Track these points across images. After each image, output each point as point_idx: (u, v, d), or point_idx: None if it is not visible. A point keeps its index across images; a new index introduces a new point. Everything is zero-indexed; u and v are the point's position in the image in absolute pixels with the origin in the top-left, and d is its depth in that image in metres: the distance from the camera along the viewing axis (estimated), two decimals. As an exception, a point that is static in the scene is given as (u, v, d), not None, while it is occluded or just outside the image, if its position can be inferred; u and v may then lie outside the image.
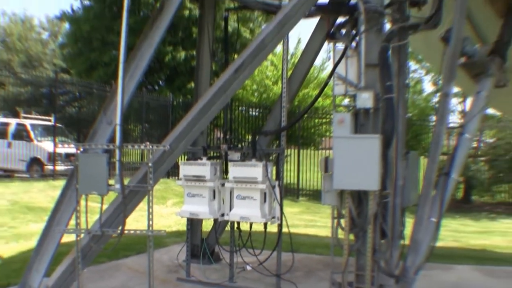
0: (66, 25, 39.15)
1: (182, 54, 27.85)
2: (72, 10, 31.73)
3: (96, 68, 29.76)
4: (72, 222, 6.90)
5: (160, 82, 30.42)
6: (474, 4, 7.95)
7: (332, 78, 7.24)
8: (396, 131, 6.63)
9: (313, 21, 8.34)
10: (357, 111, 6.84)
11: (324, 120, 24.10)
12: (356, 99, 6.79)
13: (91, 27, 29.27)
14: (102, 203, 6.52)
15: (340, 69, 7.15)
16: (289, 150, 21.39)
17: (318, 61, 31.73)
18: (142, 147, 6.81)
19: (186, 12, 25.97)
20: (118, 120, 6.63)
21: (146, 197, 6.61)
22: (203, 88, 9.73)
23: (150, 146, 6.62)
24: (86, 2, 30.82)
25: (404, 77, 7.10)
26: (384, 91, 6.56)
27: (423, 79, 31.35)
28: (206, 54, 9.85)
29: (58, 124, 24.13)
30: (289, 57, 27.79)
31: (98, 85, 26.43)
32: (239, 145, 8.98)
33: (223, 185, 7.84)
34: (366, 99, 6.67)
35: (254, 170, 7.47)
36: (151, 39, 7.66)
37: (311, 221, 18.03)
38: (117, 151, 6.70)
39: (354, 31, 7.09)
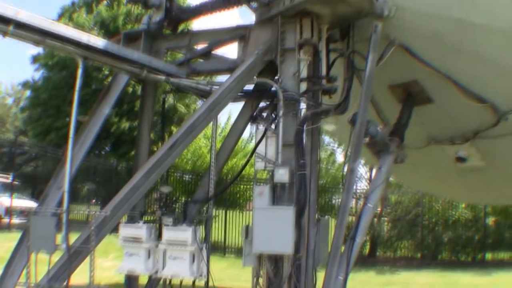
0: (27, 92, 38.43)
1: (126, 125, 27.74)
2: (33, 79, 31.56)
3: (50, 132, 29.29)
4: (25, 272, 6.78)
5: (107, 148, 30.50)
6: (377, 91, 8.33)
7: (253, 155, 7.39)
8: (308, 202, 6.79)
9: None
10: (275, 185, 6.96)
11: (249, 186, 24.32)
12: (274, 174, 6.94)
13: (49, 96, 28.95)
14: (49, 261, 6.39)
15: (261, 147, 7.31)
16: (217, 211, 21.44)
17: (246, 134, 32.14)
18: (87, 212, 6.79)
19: (130, 89, 26.30)
20: (66, 187, 6.64)
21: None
22: (142, 156, 9.68)
23: (94, 212, 6.59)
24: (47, 73, 30.67)
25: (316, 155, 7.31)
26: (298, 168, 6.75)
27: (336, 151, 32.39)
28: (146, 127, 9.84)
29: (15, 181, 23.42)
30: (219, 130, 28.15)
31: (52, 148, 25.99)
32: (174, 205, 8.93)
33: (157, 246, 7.74)
34: (282, 174, 6.79)
35: (184, 233, 7.42)
36: (99, 115, 7.72)
37: (236, 275, 17.75)
38: (64, 215, 6.66)
39: (273, 115, 7.33)
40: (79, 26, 25.97)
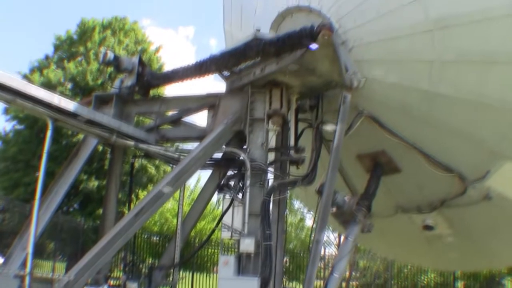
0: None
1: (95, 184, 27.42)
2: (5, 131, 31.10)
3: (19, 186, 28.69)
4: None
5: (75, 205, 29.91)
6: (346, 160, 8.39)
7: (220, 224, 7.31)
8: (273, 273, 6.67)
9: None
10: (240, 254, 6.87)
11: (216, 250, 24.06)
12: (240, 244, 6.83)
13: (18, 149, 28.57)
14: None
15: (228, 216, 7.25)
16: (184, 274, 20.99)
17: (214, 198, 31.81)
18: (50, 276, 6.62)
19: (100, 147, 26.09)
20: (30, 249, 6.52)
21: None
22: (109, 217, 9.48)
23: (58, 275, 6.43)
24: (18, 127, 30.29)
25: (282, 225, 7.26)
26: (264, 238, 6.67)
27: (306, 216, 32.47)
28: (114, 189, 9.67)
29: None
30: (188, 193, 27.95)
31: (19, 203, 25.39)
32: (140, 266, 8.71)
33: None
34: (248, 245, 6.73)
35: (149, 299, 7.25)
36: (67, 177, 7.62)
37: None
38: (27, 277, 6.44)
39: (241, 184, 7.30)
40: (50, 82, 26.01)
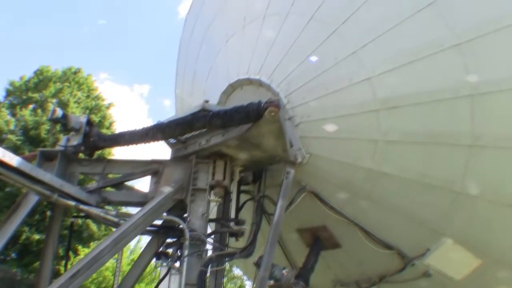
0: None
1: (35, 237, 26.62)
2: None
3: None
4: None
5: (13, 254, 28.78)
6: (286, 233, 8.58)
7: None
8: None
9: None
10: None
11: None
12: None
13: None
14: None
15: (164, 284, 7.26)
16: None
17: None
18: None
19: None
20: None
21: None
22: (44, 274, 9.19)
23: None
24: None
25: (218, 296, 7.30)
26: (198, 310, 6.68)
27: (245, 283, 32.33)
28: (51, 247, 9.44)
29: None
30: (129, 252, 27.54)
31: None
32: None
33: None
34: (181, 315, 6.69)
35: None
36: (5, 231, 7.50)
37: None
38: None
39: (179, 253, 7.36)
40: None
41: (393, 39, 7.81)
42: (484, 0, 7.77)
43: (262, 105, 6.87)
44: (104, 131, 31.06)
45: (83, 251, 25.35)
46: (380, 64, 7.74)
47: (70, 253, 12.50)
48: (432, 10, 7.73)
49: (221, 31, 9.74)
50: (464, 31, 7.59)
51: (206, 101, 7.54)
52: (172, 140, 8.04)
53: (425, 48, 7.65)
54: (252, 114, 6.92)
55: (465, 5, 7.81)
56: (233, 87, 8.52)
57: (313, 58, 8.17)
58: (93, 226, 28.52)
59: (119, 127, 33.72)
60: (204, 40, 10.39)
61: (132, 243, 30.00)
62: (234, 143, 7.35)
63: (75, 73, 32.25)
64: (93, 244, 28.96)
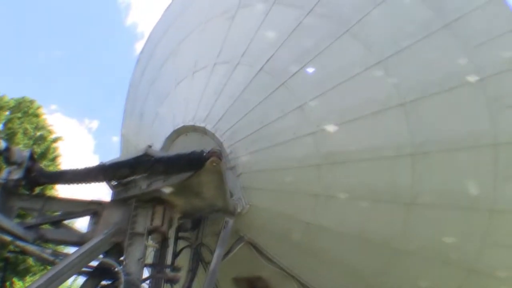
0: None
1: (-32, 269, 26.94)
2: None
3: None
4: None
5: None
6: (222, 282, 9.33)
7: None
8: None
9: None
10: None
11: None
12: None
13: None
14: None
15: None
16: None
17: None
18: None
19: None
20: None
21: None
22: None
23: None
24: None
25: None
26: None
27: None
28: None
29: None
30: None
31: None
32: None
33: None
34: None
35: None
36: None
37: None
38: None
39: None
40: None
41: (340, 95, 8.84)
42: (429, 62, 8.90)
43: (205, 154, 7.66)
44: (47, 163, 31.95)
45: (18, 284, 25.73)
46: (325, 119, 8.74)
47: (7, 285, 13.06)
48: (380, 69, 8.81)
49: (171, 75, 10.62)
50: (409, 91, 8.66)
51: (150, 146, 8.30)
52: (113, 182, 8.77)
53: (370, 105, 8.69)
54: (194, 163, 7.71)
55: (411, 66, 8.89)
56: (178, 133, 9.34)
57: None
58: (30, 259, 28.91)
59: (64, 161, 34.68)
60: (154, 81, 11.23)
61: (70, 280, 30.43)
62: (174, 190, 8.11)
63: (28, 103, 33.50)
64: (29, 278, 29.41)
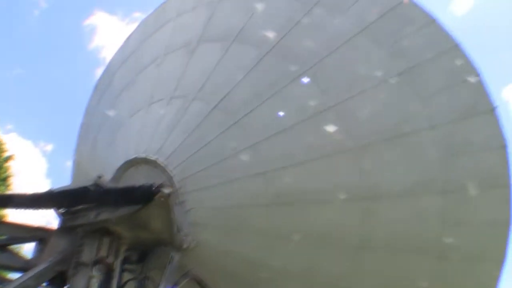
0: None
1: None
2: None
3: None
4: None
5: None
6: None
7: None
8: None
9: None
10: None
11: None
12: None
13: None
14: None
15: None
16: None
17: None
18: None
19: None
20: None
21: None
22: None
23: None
24: None
25: None
26: None
27: None
28: None
29: None
30: None
31: None
32: None
33: None
34: None
35: None
36: None
37: None
38: None
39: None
40: None
41: (293, 136, 9.48)
42: (383, 108, 9.69)
43: (154, 188, 8.20)
44: (-3, 183, 32.23)
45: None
46: (277, 160, 9.35)
47: None
48: (335, 113, 9.55)
49: (127, 105, 11.15)
50: (361, 136, 9.41)
51: (100, 177, 8.76)
52: (61, 210, 9.16)
53: (323, 148, 9.36)
54: (143, 196, 8.21)
55: (365, 111, 9.59)
56: (129, 164, 9.84)
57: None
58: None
59: (16, 182, 34.87)
60: (110, 110, 11.73)
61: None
62: (122, 222, 8.59)
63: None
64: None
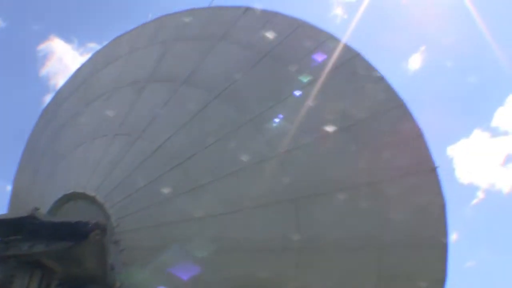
0: None
1: None
2: None
3: None
4: None
5: None
6: None
7: None
8: None
9: None
10: None
11: None
12: None
13: None
14: None
15: None
16: None
17: None
18: None
19: None
20: None
21: None
22: None
23: None
24: None
25: None
26: None
27: None
28: None
29: None
30: None
31: None
32: None
33: None
34: None
35: None
36: None
37: None
38: None
39: None
40: None
41: (233, 183, 10.14)
42: (325, 162, 10.57)
43: (90, 226, 8.69)
44: None
45: None
46: (216, 205, 9.99)
47: None
48: (277, 164, 10.29)
49: (71, 137, 11.66)
50: (301, 188, 10.15)
51: (37, 209, 9.19)
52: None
53: (262, 197, 10.04)
54: (78, 232, 8.65)
55: (307, 164, 10.48)
56: (68, 198, 10.36)
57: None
58: None
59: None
60: (54, 141, 12.22)
61: None
62: (55, 256, 9.01)
63: None
64: None
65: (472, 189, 36.89)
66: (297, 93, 11.05)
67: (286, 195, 10.25)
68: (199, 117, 10.90)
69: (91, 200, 10.28)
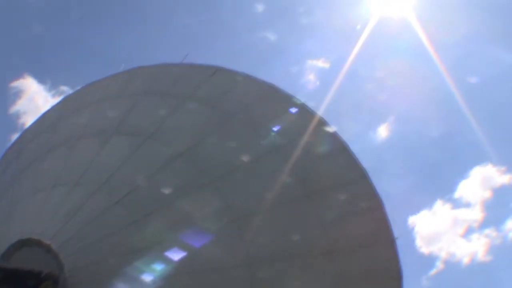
0: None
1: None
2: None
3: None
4: None
5: None
6: None
7: None
8: None
9: None
10: None
11: None
12: None
13: None
14: None
15: None
16: None
17: None
18: None
19: None
20: None
21: None
22: None
23: None
24: None
25: None
26: None
27: None
28: None
29: None
30: None
31: None
32: None
33: None
34: None
35: None
36: None
37: None
38: None
39: None
40: None
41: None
42: (283, 229, 11.12)
43: (42, 275, 9.08)
44: None
45: None
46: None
47: None
48: (234, 228, 10.93)
49: (31, 182, 12.03)
50: (258, 257, 10.74)
51: None
52: None
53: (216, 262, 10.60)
54: (30, 281, 8.99)
55: (267, 229, 11.06)
56: (22, 243, 10.60)
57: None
58: None
59: None
60: (14, 182, 12.58)
61: None
62: None
63: None
64: None
65: (431, 259, 37.52)
66: (259, 157, 11.48)
67: (239, 260, 10.83)
68: (161, 173, 11.38)
69: (46, 248, 10.50)
